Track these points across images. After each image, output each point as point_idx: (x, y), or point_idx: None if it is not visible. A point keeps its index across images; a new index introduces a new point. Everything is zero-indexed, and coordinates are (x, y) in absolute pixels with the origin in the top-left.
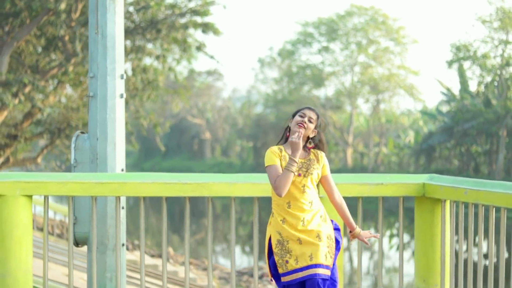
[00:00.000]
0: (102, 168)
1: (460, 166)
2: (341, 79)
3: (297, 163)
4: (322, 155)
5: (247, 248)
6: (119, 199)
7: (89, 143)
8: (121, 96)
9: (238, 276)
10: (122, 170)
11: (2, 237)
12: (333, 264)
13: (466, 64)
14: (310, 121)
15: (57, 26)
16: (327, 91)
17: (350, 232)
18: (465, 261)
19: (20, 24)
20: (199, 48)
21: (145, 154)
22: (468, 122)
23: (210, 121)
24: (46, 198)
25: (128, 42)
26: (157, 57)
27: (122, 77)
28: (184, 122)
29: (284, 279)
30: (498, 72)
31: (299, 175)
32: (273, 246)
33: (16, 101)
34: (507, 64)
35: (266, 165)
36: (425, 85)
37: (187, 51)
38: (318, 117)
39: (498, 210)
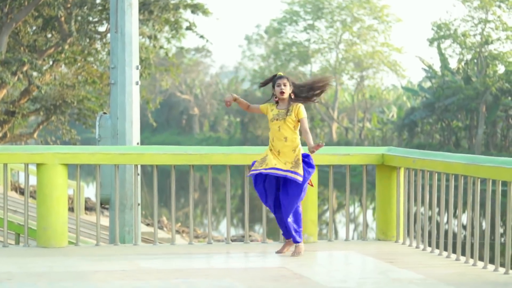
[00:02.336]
0: (121, 142)
1: (441, 141)
2: (326, 56)
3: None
4: (297, 105)
5: (235, 220)
6: (137, 167)
7: (111, 122)
8: (137, 83)
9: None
10: (138, 143)
11: (44, 198)
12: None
13: (447, 42)
14: (284, 85)
15: (54, 7)
16: (313, 67)
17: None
18: (418, 218)
19: (18, 6)
20: (189, 28)
21: None
22: (449, 98)
23: (198, 97)
24: (78, 166)
25: None
26: (149, 37)
27: (137, 67)
28: (173, 98)
29: (251, 172)
30: (478, 50)
31: (277, 119)
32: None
33: (15, 79)
34: (487, 43)
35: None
36: (408, 62)
37: (178, 31)
38: (287, 79)
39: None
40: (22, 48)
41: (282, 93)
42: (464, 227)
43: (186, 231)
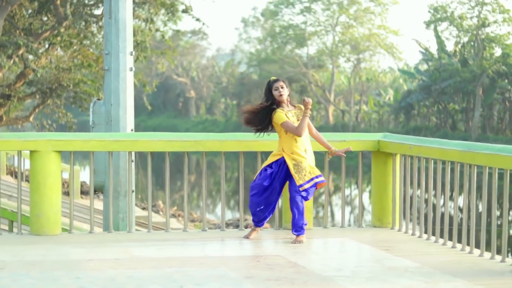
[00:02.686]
0: (115, 128)
1: (437, 124)
2: (322, 39)
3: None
4: (301, 107)
5: (232, 202)
6: (131, 154)
7: (105, 108)
8: (131, 69)
9: (223, 230)
10: (132, 130)
11: (37, 185)
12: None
13: (444, 25)
14: (282, 87)
15: None
16: (309, 50)
17: (329, 152)
18: (414, 204)
19: None
20: (185, 11)
21: None
22: (446, 81)
23: (194, 80)
24: (71, 153)
25: None
26: (145, 20)
27: (131, 53)
28: (169, 81)
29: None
30: (474, 32)
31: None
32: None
33: (11, 62)
34: (483, 25)
35: (282, 121)
36: (405, 45)
37: (174, 14)
38: (282, 80)
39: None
40: (17, 31)
41: (282, 94)
42: (461, 211)
43: (182, 214)
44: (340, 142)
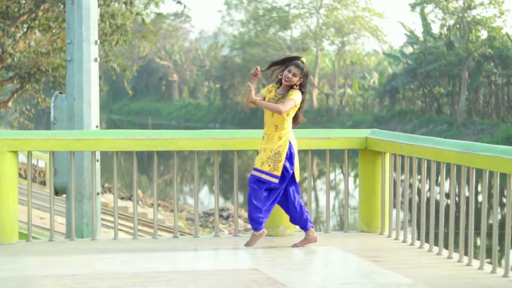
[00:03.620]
0: (78, 125)
1: (423, 107)
2: (306, 22)
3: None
4: (294, 90)
5: (214, 188)
6: (95, 153)
7: (67, 103)
8: (95, 60)
9: (205, 217)
10: (97, 126)
11: None
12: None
13: (429, 7)
14: (294, 75)
15: None
16: (293, 33)
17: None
18: (405, 208)
19: None
20: None
21: (113, 96)
22: (431, 64)
23: (177, 63)
24: (29, 153)
25: None
26: (125, 3)
27: (96, 43)
28: (152, 64)
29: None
30: (460, 15)
31: (276, 102)
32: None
33: None
34: (469, 7)
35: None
36: (389, 28)
37: None
38: (302, 70)
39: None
40: None
41: (287, 79)
42: (458, 216)
43: (162, 204)
44: (324, 139)
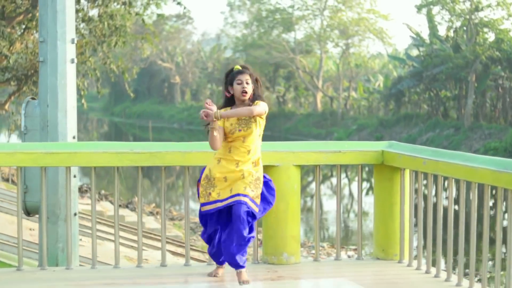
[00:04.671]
0: (53, 135)
1: (429, 111)
2: (310, 23)
3: (215, 127)
4: (257, 103)
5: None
6: (69, 169)
7: (40, 110)
8: (72, 61)
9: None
10: (74, 137)
11: None
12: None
13: (436, 9)
14: (247, 83)
15: None
16: (297, 35)
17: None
18: (426, 231)
19: None
20: None
21: (115, 98)
22: (437, 67)
23: (179, 65)
24: None
25: None
26: (124, 3)
27: (73, 41)
28: (154, 66)
29: (203, 208)
30: (467, 17)
31: (239, 130)
32: (201, 178)
33: None
34: (477, 9)
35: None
36: (395, 30)
37: None
38: (250, 74)
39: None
40: None
41: (244, 92)
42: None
43: (161, 212)
44: (335, 153)
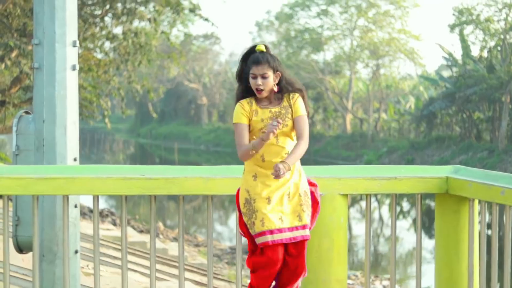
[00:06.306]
0: (50, 157)
1: (462, 133)
2: (340, 44)
3: (263, 143)
4: (294, 95)
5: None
6: (67, 198)
7: (34, 126)
8: (73, 68)
9: (232, 252)
10: (75, 159)
11: None
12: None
13: (469, 29)
14: (264, 77)
15: None
16: (326, 55)
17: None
18: (503, 278)
19: None
20: (192, 10)
21: (141, 119)
22: (471, 88)
23: (207, 86)
24: None
25: (119, 5)
26: (149, 20)
27: (74, 44)
28: (181, 87)
29: (259, 240)
30: (502, 36)
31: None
32: (241, 206)
33: (3, 66)
34: (511, 29)
35: (233, 121)
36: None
37: (180, 14)
38: (269, 63)
39: None
40: (11, 32)
41: (259, 89)
42: None
43: (186, 238)
44: (389, 180)
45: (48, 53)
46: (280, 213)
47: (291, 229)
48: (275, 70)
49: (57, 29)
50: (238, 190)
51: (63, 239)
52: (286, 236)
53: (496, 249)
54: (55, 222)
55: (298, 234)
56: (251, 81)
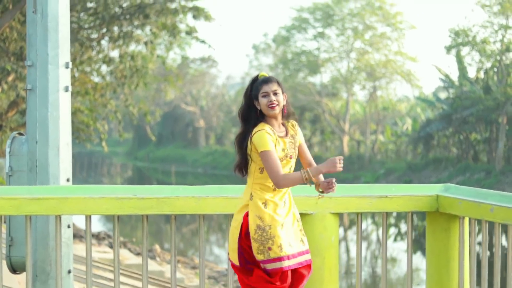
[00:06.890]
0: (42, 177)
1: (459, 154)
2: (337, 66)
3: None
4: (294, 123)
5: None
6: (60, 218)
7: (27, 147)
8: (66, 89)
9: (227, 275)
10: (68, 180)
11: None
12: None
13: (465, 50)
14: (275, 94)
15: None
16: (323, 77)
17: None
18: None
19: (2, 10)
20: (189, 33)
21: (138, 143)
22: (467, 109)
23: (204, 109)
24: None
25: (116, 28)
26: (146, 44)
27: (67, 66)
28: (178, 110)
29: (269, 266)
30: (498, 58)
31: (290, 157)
32: (252, 232)
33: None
34: (507, 50)
35: (263, 150)
36: (422, 72)
37: (176, 37)
38: (278, 82)
39: None
40: (7, 56)
41: (272, 106)
42: None
43: (183, 260)
44: (380, 198)
45: (41, 75)
46: (289, 239)
47: (300, 253)
48: (283, 91)
49: (50, 51)
50: (245, 216)
51: (56, 259)
52: (298, 261)
53: (486, 266)
54: (48, 242)
55: (303, 259)
56: (262, 100)
